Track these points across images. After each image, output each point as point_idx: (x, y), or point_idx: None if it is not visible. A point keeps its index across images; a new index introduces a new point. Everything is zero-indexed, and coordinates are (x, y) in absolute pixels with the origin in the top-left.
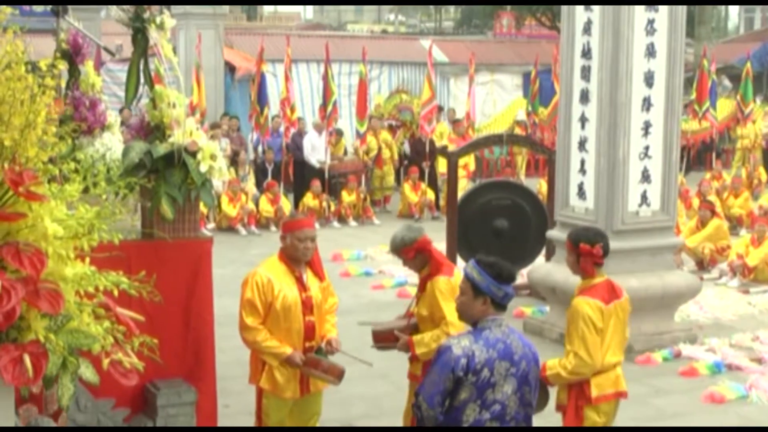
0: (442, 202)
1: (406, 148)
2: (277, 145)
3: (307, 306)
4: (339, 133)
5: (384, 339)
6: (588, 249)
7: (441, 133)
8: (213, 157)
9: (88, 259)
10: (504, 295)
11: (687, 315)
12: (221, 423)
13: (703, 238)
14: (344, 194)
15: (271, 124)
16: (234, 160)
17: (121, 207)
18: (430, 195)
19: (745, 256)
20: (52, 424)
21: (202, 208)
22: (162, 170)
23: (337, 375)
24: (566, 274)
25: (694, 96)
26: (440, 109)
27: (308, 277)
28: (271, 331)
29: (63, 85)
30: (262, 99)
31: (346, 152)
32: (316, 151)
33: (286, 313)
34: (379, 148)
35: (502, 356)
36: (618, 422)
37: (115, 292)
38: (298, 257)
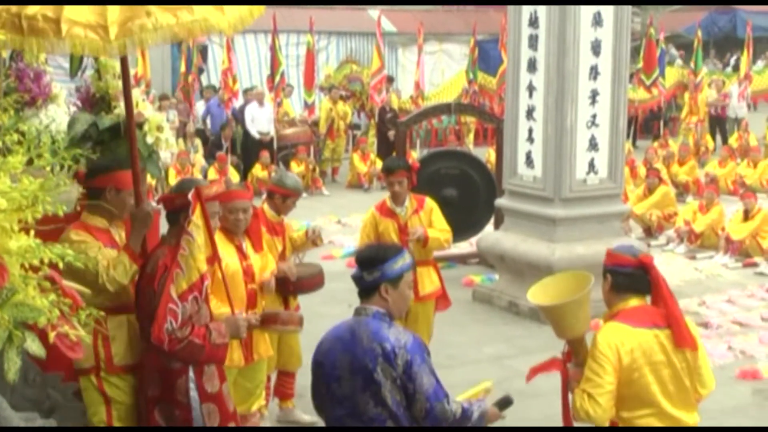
0: None
1: (356, 118)
2: (224, 116)
3: (248, 274)
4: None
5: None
6: None
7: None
8: (159, 128)
9: (32, 232)
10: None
11: None
12: None
13: (650, 205)
14: (293, 165)
15: (217, 94)
16: (182, 132)
17: (66, 179)
18: (379, 164)
19: (692, 222)
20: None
21: (150, 180)
22: (108, 142)
23: (298, 322)
24: (515, 242)
25: (641, 65)
26: (390, 79)
27: (247, 246)
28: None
29: (6, 56)
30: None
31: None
32: (256, 122)
33: (228, 282)
34: (332, 120)
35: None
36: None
37: (60, 265)
38: (230, 228)
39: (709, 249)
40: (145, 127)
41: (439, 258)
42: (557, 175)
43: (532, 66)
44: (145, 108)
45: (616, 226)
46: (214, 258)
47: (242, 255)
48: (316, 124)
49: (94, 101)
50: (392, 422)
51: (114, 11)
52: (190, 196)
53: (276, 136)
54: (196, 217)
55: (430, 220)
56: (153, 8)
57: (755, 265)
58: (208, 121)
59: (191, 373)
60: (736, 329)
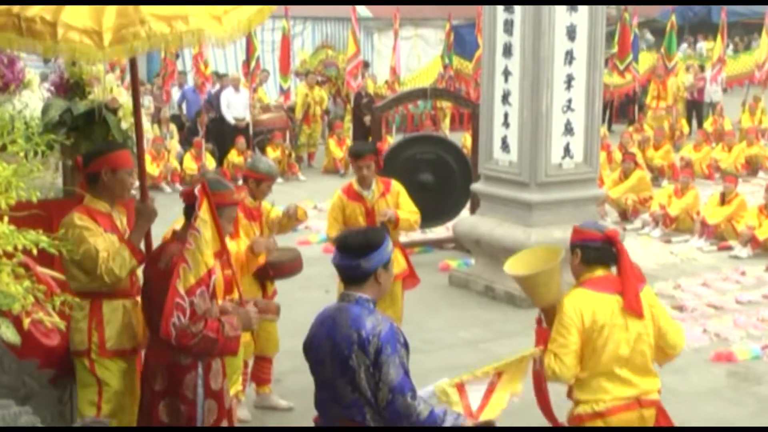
0: None
1: (331, 104)
2: (200, 102)
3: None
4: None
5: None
6: None
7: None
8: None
9: (6, 218)
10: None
11: None
12: None
13: (625, 189)
14: (269, 150)
15: (194, 80)
16: (157, 118)
17: (41, 165)
18: None
19: (667, 206)
20: None
21: None
22: (83, 128)
23: (275, 311)
24: (491, 226)
25: (615, 50)
26: (366, 64)
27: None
28: None
29: None
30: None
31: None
32: (232, 107)
33: None
34: (308, 105)
35: (327, 334)
36: None
37: (35, 251)
38: None
39: (684, 233)
40: (120, 113)
41: (415, 243)
42: (533, 159)
43: (507, 51)
44: (119, 94)
45: (591, 210)
46: (222, 252)
47: (227, 264)
48: (292, 109)
49: (68, 87)
50: (369, 409)
51: (110, 17)
52: (196, 190)
53: (252, 121)
54: (203, 212)
55: (398, 202)
56: (149, 16)
57: (730, 248)
58: (184, 106)
59: (200, 369)
60: (711, 312)
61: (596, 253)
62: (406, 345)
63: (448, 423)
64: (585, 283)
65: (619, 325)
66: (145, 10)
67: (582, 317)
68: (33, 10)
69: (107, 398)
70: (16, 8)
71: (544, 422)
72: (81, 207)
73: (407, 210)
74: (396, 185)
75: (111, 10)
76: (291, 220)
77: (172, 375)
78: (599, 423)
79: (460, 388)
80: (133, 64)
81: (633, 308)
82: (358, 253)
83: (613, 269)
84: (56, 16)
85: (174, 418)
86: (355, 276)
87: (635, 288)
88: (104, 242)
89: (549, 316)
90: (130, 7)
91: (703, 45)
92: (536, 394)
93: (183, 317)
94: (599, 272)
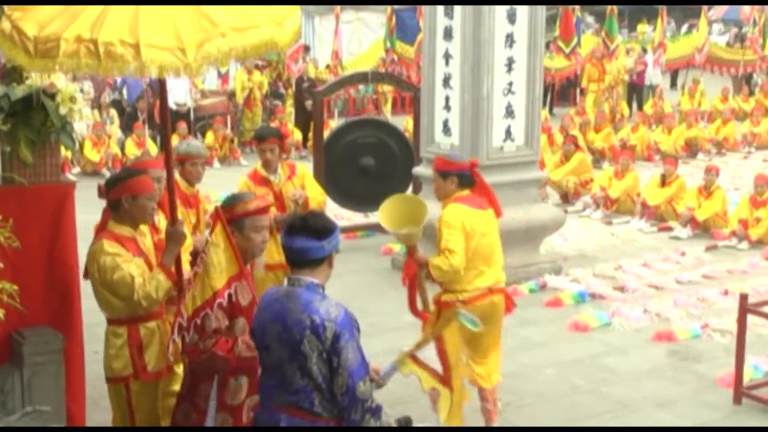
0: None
1: (272, 88)
2: (140, 87)
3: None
4: None
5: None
6: None
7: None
8: (72, 99)
9: None
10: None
11: (552, 247)
12: (92, 369)
13: (567, 171)
14: (210, 135)
15: None
16: (97, 103)
17: None
18: (297, 135)
19: (608, 188)
20: None
21: (65, 152)
22: (20, 113)
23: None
24: (434, 209)
25: (557, 33)
26: (306, 48)
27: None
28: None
29: None
30: None
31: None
32: (173, 93)
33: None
34: (250, 90)
35: (275, 319)
36: None
37: None
38: None
39: (625, 214)
40: (58, 98)
41: (358, 227)
42: (474, 142)
43: (448, 34)
44: (57, 79)
45: (532, 192)
46: (240, 275)
47: (153, 229)
48: (233, 94)
49: (5, 72)
50: (318, 394)
51: (188, 33)
52: (208, 217)
53: (193, 107)
54: (215, 236)
55: (303, 185)
56: (227, 29)
57: (670, 229)
58: (124, 91)
59: (214, 383)
60: (652, 293)
61: (467, 178)
62: (359, 329)
63: (384, 421)
64: (458, 199)
65: (485, 233)
66: (222, 23)
67: (463, 224)
68: (108, 35)
69: (140, 421)
70: (86, 33)
71: (543, 422)
72: (106, 233)
73: (314, 192)
74: (301, 168)
75: (187, 26)
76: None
77: (191, 382)
78: (461, 307)
79: (414, 358)
80: (162, 85)
81: (500, 214)
82: (321, 234)
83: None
84: (136, 36)
85: (185, 423)
86: (312, 259)
87: (496, 199)
88: (137, 268)
89: (416, 250)
90: (206, 21)
91: (649, 28)
92: (408, 288)
93: (187, 335)
94: (465, 192)
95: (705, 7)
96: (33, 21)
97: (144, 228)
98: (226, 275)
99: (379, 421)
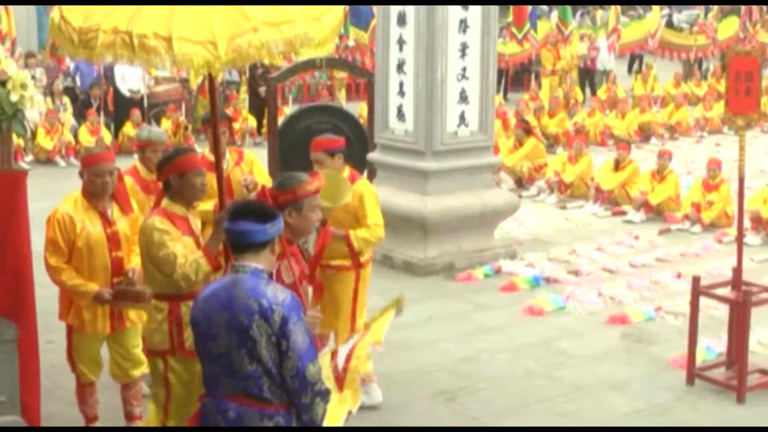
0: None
1: (227, 74)
2: (94, 74)
3: (113, 241)
4: None
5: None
6: None
7: None
8: (24, 86)
9: None
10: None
11: (507, 232)
12: (45, 359)
13: (520, 156)
14: (164, 122)
15: None
16: (50, 90)
17: None
18: (251, 121)
19: (562, 173)
20: None
21: (17, 140)
22: None
23: (148, 301)
24: (387, 195)
25: (510, 18)
26: None
27: (114, 211)
28: (77, 269)
29: None
30: None
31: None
32: (127, 79)
33: (89, 251)
34: (204, 77)
35: (222, 307)
36: (441, 338)
37: None
38: (97, 192)
39: (579, 199)
40: (9, 85)
41: None
42: (428, 128)
43: (401, 20)
44: (8, 66)
45: (487, 177)
46: (283, 256)
47: (106, 221)
48: (187, 80)
49: None
50: (267, 379)
51: (221, 27)
52: (253, 195)
53: (147, 93)
54: None
55: (252, 171)
56: (260, 24)
57: (623, 213)
58: (78, 78)
59: None
60: (606, 276)
61: (348, 153)
62: (305, 312)
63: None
64: (357, 175)
65: None
66: (256, 17)
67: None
68: (143, 26)
69: (174, 400)
70: (123, 26)
71: (498, 407)
72: (160, 210)
73: (262, 178)
74: (249, 154)
75: (220, 20)
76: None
77: None
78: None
79: (333, 354)
80: (212, 79)
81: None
82: (264, 218)
83: None
84: (169, 30)
85: None
86: (255, 243)
87: None
88: (183, 248)
89: (327, 222)
90: (239, 16)
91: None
92: (315, 256)
93: None
94: (347, 168)
95: None
96: (79, 12)
97: (195, 212)
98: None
99: (328, 404)
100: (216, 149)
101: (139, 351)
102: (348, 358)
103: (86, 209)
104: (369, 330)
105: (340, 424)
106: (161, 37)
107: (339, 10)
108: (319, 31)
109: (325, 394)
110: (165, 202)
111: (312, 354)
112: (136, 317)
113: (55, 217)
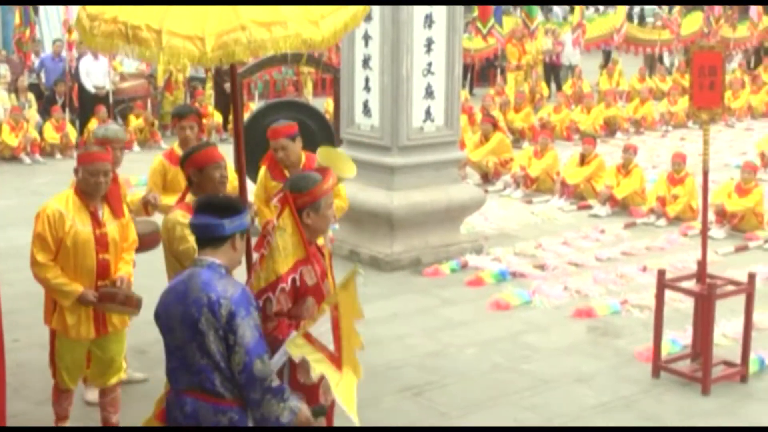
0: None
1: (193, 70)
2: (59, 70)
3: (101, 243)
4: None
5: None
6: None
7: None
8: None
9: None
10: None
11: (473, 226)
12: (12, 357)
13: (486, 151)
14: (131, 119)
15: (53, 47)
16: (14, 87)
17: None
18: (217, 117)
19: (528, 167)
20: None
21: None
22: None
23: (135, 305)
24: (353, 191)
25: (476, 14)
26: None
27: (105, 213)
28: (62, 268)
29: None
30: (26, 21)
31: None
32: (91, 76)
33: (77, 250)
34: (171, 73)
35: (178, 300)
36: (408, 333)
37: None
38: (90, 191)
39: (545, 193)
40: None
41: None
42: (394, 123)
43: (367, 15)
44: None
45: (453, 173)
46: (307, 260)
47: (96, 222)
48: (153, 77)
49: None
50: (218, 374)
51: (212, 23)
52: (276, 200)
53: (112, 90)
54: (282, 220)
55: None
56: (249, 22)
57: (589, 207)
58: (42, 75)
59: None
60: (572, 270)
61: (314, 148)
62: (257, 308)
63: (291, 403)
64: (308, 157)
65: None
66: (246, 15)
67: None
68: (139, 18)
69: None
70: (122, 16)
71: (465, 401)
72: (183, 204)
73: (229, 175)
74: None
75: (213, 17)
76: (152, 209)
77: None
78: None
79: (308, 337)
80: (233, 70)
81: None
82: (223, 213)
83: None
84: (161, 23)
85: None
86: (213, 237)
87: None
88: None
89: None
90: (232, 13)
91: (565, 9)
92: None
93: None
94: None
95: None
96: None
97: None
98: (292, 259)
99: (283, 403)
100: (236, 133)
101: (121, 358)
102: (337, 338)
103: (78, 208)
104: (338, 308)
105: (353, 400)
106: (153, 29)
107: (346, 12)
108: (315, 33)
109: (278, 391)
110: (189, 197)
111: (260, 349)
112: (120, 322)
113: (45, 213)
